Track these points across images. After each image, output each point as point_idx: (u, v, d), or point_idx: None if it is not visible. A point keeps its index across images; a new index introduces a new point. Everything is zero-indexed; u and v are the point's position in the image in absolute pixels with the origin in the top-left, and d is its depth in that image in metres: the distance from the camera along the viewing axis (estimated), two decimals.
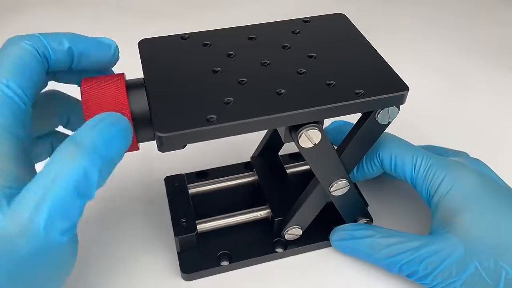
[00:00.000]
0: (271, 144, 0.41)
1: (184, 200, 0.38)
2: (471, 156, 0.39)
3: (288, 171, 0.42)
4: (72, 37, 0.28)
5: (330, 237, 0.37)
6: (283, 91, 0.29)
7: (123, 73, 0.29)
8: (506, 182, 0.37)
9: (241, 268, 0.37)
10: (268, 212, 0.38)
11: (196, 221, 0.37)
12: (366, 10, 0.70)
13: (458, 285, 0.31)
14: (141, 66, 0.31)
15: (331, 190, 0.34)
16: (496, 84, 0.57)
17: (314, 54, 0.32)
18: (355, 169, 0.37)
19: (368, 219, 0.38)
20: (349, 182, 0.34)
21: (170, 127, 0.27)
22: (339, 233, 0.37)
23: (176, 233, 0.36)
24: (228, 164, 0.44)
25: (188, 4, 0.71)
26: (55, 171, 0.24)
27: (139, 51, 0.32)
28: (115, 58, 0.30)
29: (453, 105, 0.53)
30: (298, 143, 0.30)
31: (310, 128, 0.29)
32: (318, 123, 0.30)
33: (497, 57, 0.61)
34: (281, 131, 0.32)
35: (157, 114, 0.27)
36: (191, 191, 0.39)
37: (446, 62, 0.60)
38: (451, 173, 0.34)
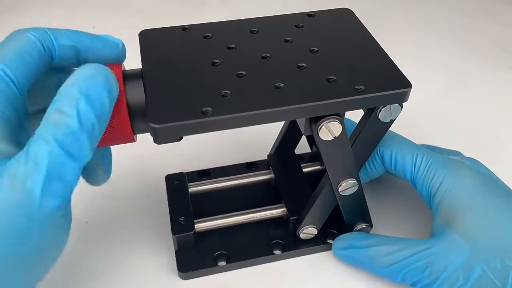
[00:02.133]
0: (287, 142, 0.41)
1: (183, 198, 0.37)
2: (466, 156, 0.39)
3: (305, 170, 0.41)
4: (78, 34, 0.28)
5: (332, 246, 0.36)
6: (281, 85, 0.28)
7: (121, 64, 0.29)
8: (503, 181, 0.36)
9: (238, 268, 0.36)
10: (283, 211, 0.38)
11: (195, 220, 0.36)
12: (367, 8, 0.68)
13: None
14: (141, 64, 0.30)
15: (339, 190, 0.33)
16: (496, 83, 0.56)
17: (316, 49, 0.31)
18: None
19: (367, 224, 0.37)
20: (358, 182, 0.33)
21: (164, 118, 0.26)
22: (339, 242, 0.36)
23: (173, 232, 0.35)
24: (232, 163, 0.43)
25: (189, 4, 0.71)
26: (44, 138, 0.23)
27: (139, 42, 0.31)
28: (122, 57, 0.29)
29: (452, 104, 0.53)
30: (318, 135, 0.29)
31: (331, 120, 0.29)
32: (339, 116, 0.29)
33: (497, 56, 0.60)
34: (301, 123, 0.31)
35: (152, 105, 0.27)
36: (191, 190, 0.39)
37: (446, 61, 0.59)
38: (452, 172, 0.33)
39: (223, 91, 0.28)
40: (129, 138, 0.29)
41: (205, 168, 0.43)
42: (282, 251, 0.37)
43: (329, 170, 0.32)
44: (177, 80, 0.28)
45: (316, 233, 0.36)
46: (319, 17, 0.34)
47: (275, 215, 0.38)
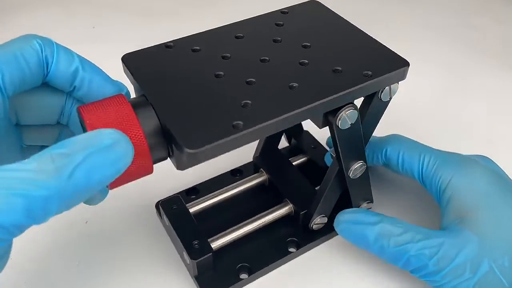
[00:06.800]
0: (271, 140, 0.41)
1: (188, 221, 0.36)
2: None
3: (294, 163, 0.41)
4: (87, 63, 0.27)
5: (335, 221, 0.35)
6: (295, 84, 0.28)
7: (122, 94, 0.26)
8: None
9: (260, 277, 0.36)
10: (289, 208, 0.38)
11: (208, 240, 0.35)
12: (366, 6, 0.71)
13: (471, 284, 0.30)
14: None
15: (350, 173, 0.34)
16: (497, 83, 0.57)
17: (308, 44, 0.31)
18: None
19: (369, 201, 0.38)
20: (365, 163, 0.34)
21: (199, 141, 0.24)
22: (346, 216, 0.34)
23: (192, 257, 0.33)
24: (214, 175, 0.42)
25: (188, 2, 0.70)
26: (17, 184, 0.19)
27: (126, 67, 0.29)
28: None
29: (452, 103, 0.53)
30: (338, 125, 0.30)
31: (349, 108, 0.29)
32: (353, 103, 0.29)
33: (498, 55, 0.61)
34: (316, 117, 0.31)
35: (180, 130, 0.25)
36: (191, 210, 0.37)
37: (447, 60, 0.60)
38: (463, 169, 0.34)
39: (243, 102, 0.27)
40: (148, 170, 0.27)
41: (191, 182, 0.41)
42: (297, 248, 0.37)
43: (343, 157, 0.32)
44: (189, 100, 0.27)
45: (326, 221, 0.37)
46: (293, 13, 0.34)
47: (282, 214, 0.38)
